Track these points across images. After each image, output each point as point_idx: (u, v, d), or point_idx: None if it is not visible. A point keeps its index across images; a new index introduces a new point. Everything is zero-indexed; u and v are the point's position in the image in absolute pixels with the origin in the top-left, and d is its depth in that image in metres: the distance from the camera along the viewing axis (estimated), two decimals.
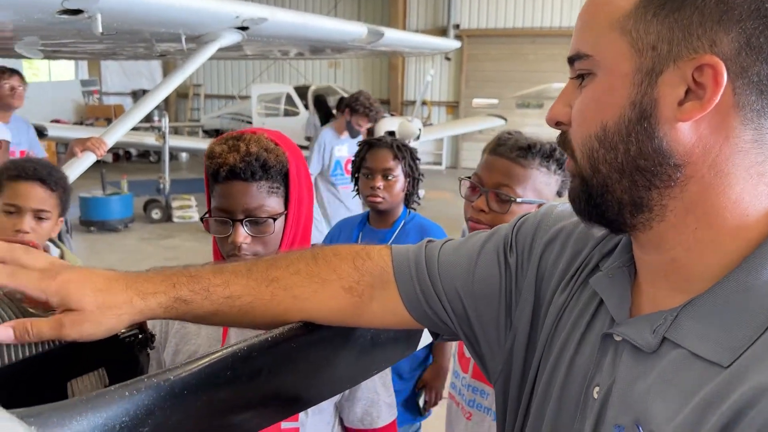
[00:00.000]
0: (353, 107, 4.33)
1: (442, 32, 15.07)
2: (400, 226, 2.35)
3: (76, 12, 2.87)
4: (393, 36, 5.21)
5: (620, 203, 0.65)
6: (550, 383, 0.75)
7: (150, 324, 0.89)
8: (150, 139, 9.11)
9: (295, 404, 0.93)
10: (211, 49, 3.74)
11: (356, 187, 2.43)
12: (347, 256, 0.87)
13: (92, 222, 8.45)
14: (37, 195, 1.79)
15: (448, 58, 15.08)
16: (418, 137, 9.58)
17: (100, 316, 0.72)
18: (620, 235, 0.74)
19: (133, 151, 14.75)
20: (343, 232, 2.45)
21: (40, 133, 8.33)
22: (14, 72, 3.65)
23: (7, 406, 0.70)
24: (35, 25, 3.24)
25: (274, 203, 1.26)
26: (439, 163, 14.26)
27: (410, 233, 2.32)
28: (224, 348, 0.76)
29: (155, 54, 5.28)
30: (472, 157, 13.90)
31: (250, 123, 11.90)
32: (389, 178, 2.29)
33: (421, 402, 2.30)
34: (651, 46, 0.61)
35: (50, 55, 6.40)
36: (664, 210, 0.64)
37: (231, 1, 3.49)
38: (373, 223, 2.41)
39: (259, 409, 0.84)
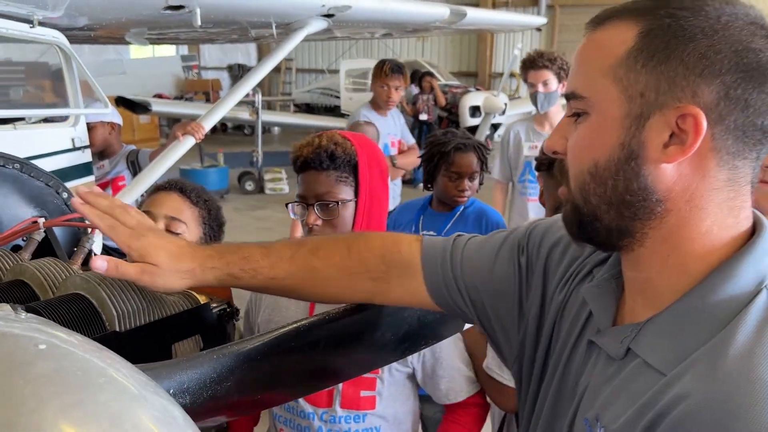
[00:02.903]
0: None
1: (534, 2, 14.71)
2: (460, 211, 2.50)
3: (179, 7, 3.16)
4: (475, 15, 5.26)
5: (608, 230, 0.73)
6: (553, 375, 0.85)
7: (243, 295, 1.06)
8: (244, 114, 9.53)
9: (347, 371, 1.12)
10: (299, 36, 3.97)
11: (425, 178, 2.56)
12: (377, 251, 0.99)
13: None
14: (172, 203, 1.63)
15: (538, 30, 14.73)
16: (503, 112, 9.53)
17: (169, 275, 0.89)
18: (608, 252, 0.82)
19: (229, 124, 15.41)
20: (406, 215, 2.62)
21: (145, 108, 8.98)
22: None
23: (128, 359, 0.93)
24: (143, 19, 3.58)
25: (342, 191, 1.45)
26: None
27: (469, 218, 2.48)
28: (290, 324, 0.95)
29: (250, 39, 5.60)
30: None
31: (338, 97, 12.19)
32: (473, 179, 2.46)
33: None
34: (640, 93, 0.67)
35: (155, 41, 6.87)
36: (644, 237, 0.71)
37: None
38: (435, 207, 2.57)
39: (317, 373, 1.03)
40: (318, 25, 3.98)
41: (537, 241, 0.93)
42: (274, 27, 4.02)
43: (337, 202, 1.44)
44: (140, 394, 0.58)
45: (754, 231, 0.70)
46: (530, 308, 0.91)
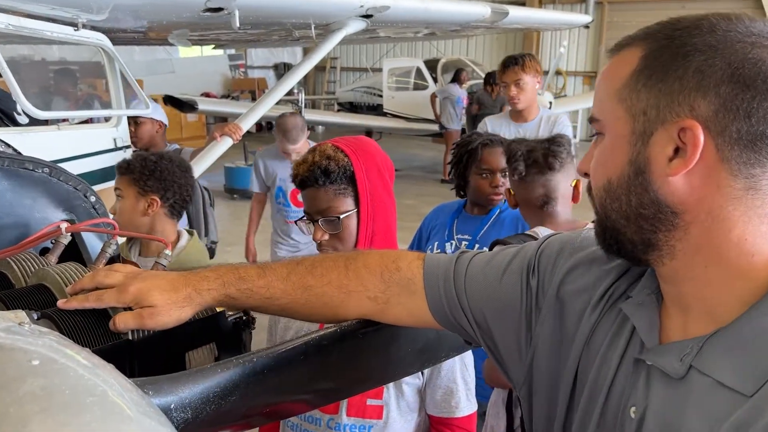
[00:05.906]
0: None
1: None
2: (496, 214, 2.44)
3: (218, 9, 3.21)
4: (518, 14, 5.18)
5: (632, 243, 0.74)
6: (590, 402, 0.80)
7: None
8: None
9: (358, 386, 1.10)
10: (338, 37, 3.98)
11: (456, 183, 2.51)
12: (376, 269, 0.97)
13: (235, 190, 9.14)
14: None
15: (586, 27, 14.46)
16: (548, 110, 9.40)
17: (169, 309, 0.90)
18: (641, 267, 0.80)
19: (274, 123, 15.56)
20: (439, 218, 2.57)
21: (192, 107, 9.17)
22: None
23: (141, 367, 0.93)
24: (184, 21, 3.65)
25: (343, 204, 1.44)
26: (574, 136, 13.78)
27: (505, 221, 2.42)
28: (300, 337, 0.94)
29: (290, 41, 5.66)
30: None
31: (381, 96, 12.20)
32: (505, 177, 2.38)
33: None
34: (642, 111, 0.70)
35: (197, 42, 7.01)
36: (673, 250, 0.71)
37: None
38: (470, 210, 2.52)
39: (326, 388, 1.01)
40: (356, 25, 3.98)
41: (549, 263, 0.90)
42: (313, 28, 4.04)
43: (338, 217, 1.45)
44: (128, 414, 0.57)
45: None
46: (542, 330, 0.87)
